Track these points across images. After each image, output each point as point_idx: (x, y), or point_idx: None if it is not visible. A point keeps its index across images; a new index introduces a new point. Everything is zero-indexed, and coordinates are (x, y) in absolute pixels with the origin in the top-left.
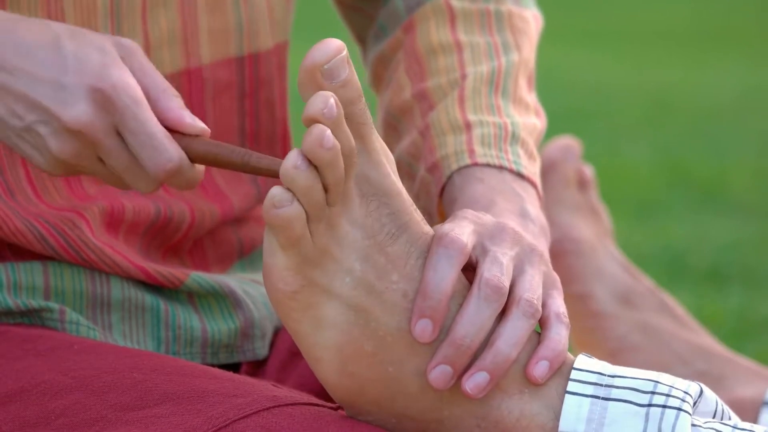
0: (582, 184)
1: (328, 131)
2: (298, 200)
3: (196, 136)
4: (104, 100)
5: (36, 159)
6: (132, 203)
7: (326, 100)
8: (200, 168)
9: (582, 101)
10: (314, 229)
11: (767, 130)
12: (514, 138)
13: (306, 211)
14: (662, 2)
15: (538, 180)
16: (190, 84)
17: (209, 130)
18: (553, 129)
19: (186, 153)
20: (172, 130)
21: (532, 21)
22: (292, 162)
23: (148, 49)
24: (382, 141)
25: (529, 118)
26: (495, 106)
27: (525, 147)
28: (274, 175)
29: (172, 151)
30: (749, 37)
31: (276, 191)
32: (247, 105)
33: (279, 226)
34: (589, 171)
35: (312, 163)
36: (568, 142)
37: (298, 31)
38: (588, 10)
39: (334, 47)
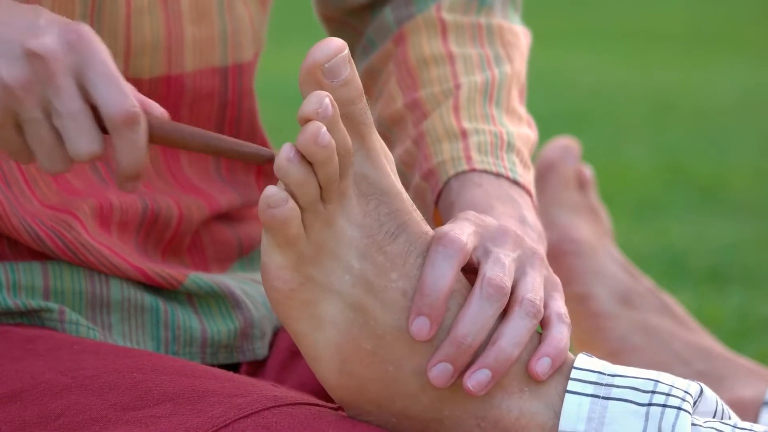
0: (581, 184)
1: (324, 128)
2: (294, 198)
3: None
4: (76, 41)
5: None
6: (119, 200)
7: (321, 100)
8: (146, 157)
9: (582, 101)
10: (310, 226)
11: None
12: (510, 147)
13: (300, 207)
14: (663, 3)
15: (532, 189)
16: (168, 89)
17: (168, 116)
18: (553, 129)
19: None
20: None
21: (522, 35)
22: (285, 155)
23: (128, 55)
24: (381, 141)
25: (522, 129)
26: (489, 115)
27: (520, 156)
28: (254, 160)
29: (135, 100)
30: (750, 38)
31: (271, 191)
32: (229, 114)
33: (275, 226)
34: (588, 171)
35: (306, 159)
36: (567, 143)
37: (297, 33)
38: (589, 11)
39: (335, 46)
